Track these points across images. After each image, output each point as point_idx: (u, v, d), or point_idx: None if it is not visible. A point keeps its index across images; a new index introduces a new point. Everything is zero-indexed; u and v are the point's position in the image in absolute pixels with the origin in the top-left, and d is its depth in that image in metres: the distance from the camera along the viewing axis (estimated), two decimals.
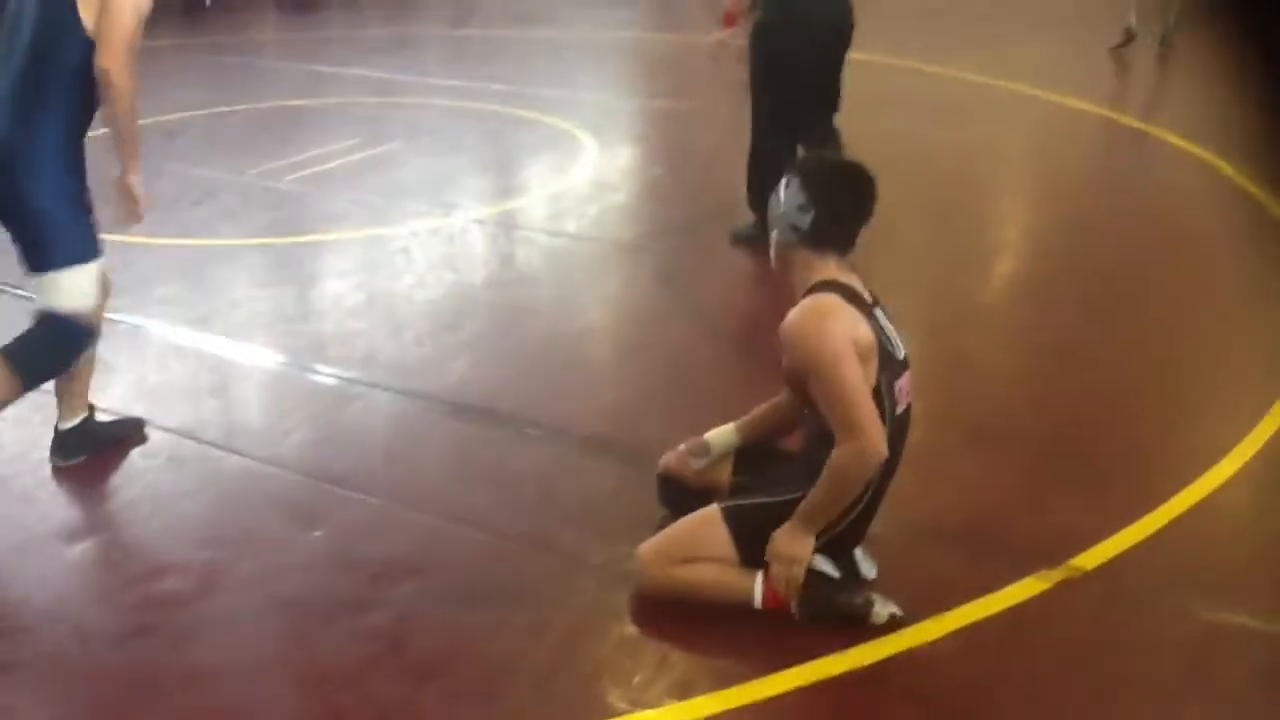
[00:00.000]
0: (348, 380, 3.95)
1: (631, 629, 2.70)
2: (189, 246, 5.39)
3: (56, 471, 3.38)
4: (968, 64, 9.23)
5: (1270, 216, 5.65)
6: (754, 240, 5.14)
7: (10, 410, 3.72)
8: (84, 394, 3.44)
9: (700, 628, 2.67)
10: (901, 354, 2.68)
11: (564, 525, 3.09)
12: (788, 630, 2.63)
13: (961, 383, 4.02)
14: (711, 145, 7.02)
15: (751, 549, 2.67)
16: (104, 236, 3.45)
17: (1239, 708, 2.47)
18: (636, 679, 2.53)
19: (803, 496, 2.61)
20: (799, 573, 2.63)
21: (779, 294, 4.81)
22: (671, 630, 2.68)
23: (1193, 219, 5.90)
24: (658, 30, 12.05)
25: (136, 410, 3.72)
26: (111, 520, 3.18)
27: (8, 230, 3.14)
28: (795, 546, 2.62)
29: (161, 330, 4.40)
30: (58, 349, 3.22)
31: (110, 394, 3.84)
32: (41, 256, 3.10)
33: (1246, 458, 3.40)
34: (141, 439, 3.55)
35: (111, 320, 4.38)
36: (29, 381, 3.21)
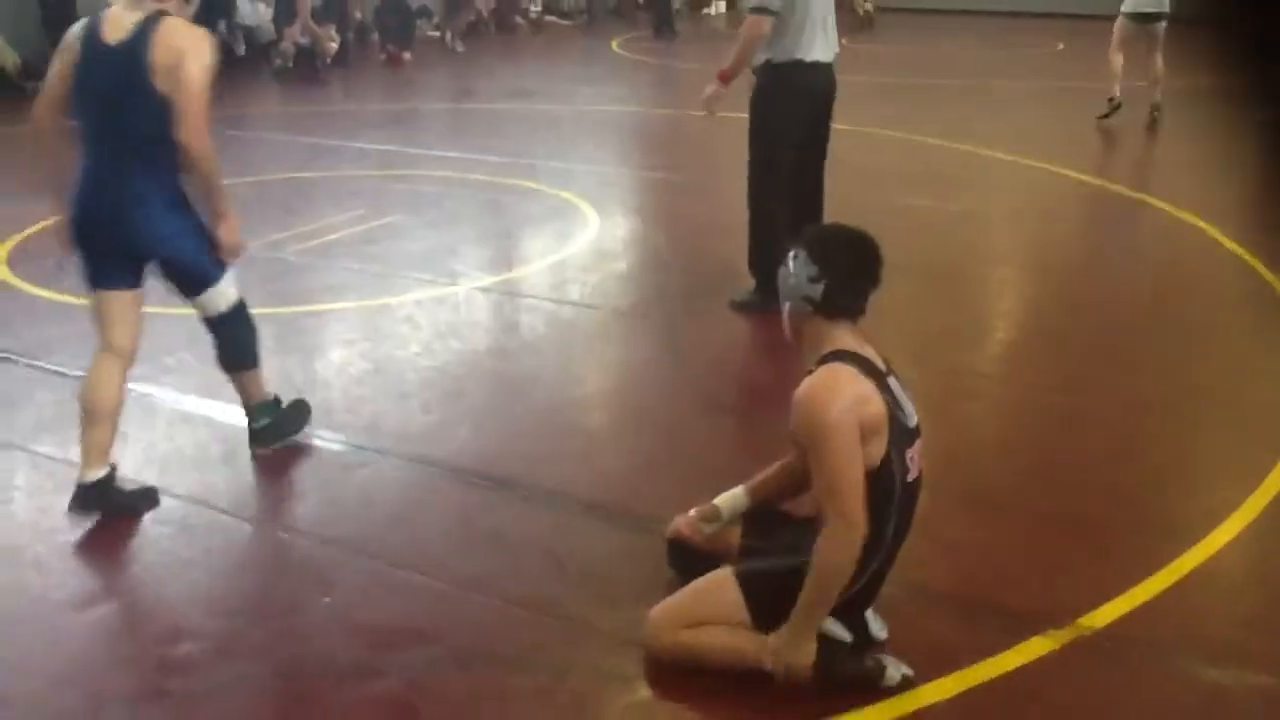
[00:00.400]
0: (354, 447, 4.00)
1: (642, 693, 2.72)
2: (193, 317, 5.44)
3: (70, 539, 3.41)
4: (954, 133, 9.42)
5: (1265, 282, 5.75)
6: (752, 306, 5.27)
7: (22, 479, 3.78)
8: (108, 446, 3.50)
9: (710, 692, 2.69)
10: (913, 422, 2.74)
11: (570, 590, 3.13)
12: (798, 693, 2.65)
13: (960, 448, 4.06)
14: (708, 215, 7.14)
15: (765, 613, 2.70)
16: None
17: None
18: None
19: (794, 568, 2.65)
20: (801, 674, 2.64)
21: (778, 362, 4.94)
22: (682, 695, 2.71)
23: (1188, 285, 6.00)
24: (653, 106, 12.26)
25: (148, 477, 3.76)
26: (125, 588, 3.20)
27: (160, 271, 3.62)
28: (797, 653, 2.64)
29: (171, 398, 4.44)
30: (246, 331, 3.84)
31: (122, 462, 3.87)
32: (191, 286, 3.68)
33: (1249, 519, 3.45)
34: (154, 506, 3.59)
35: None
36: (256, 364, 3.87)
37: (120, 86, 3.36)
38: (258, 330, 3.89)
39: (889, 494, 2.65)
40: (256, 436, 3.93)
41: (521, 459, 3.90)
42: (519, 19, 18.35)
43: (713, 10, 22.69)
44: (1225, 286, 5.92)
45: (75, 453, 3.89)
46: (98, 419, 3.49)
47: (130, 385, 4.18)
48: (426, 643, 2.89)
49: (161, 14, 3.40)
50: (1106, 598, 3.04)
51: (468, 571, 3.19)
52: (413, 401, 4.44)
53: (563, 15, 20.18)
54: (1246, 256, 6.16)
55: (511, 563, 3.26)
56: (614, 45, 16.89)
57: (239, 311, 3.79)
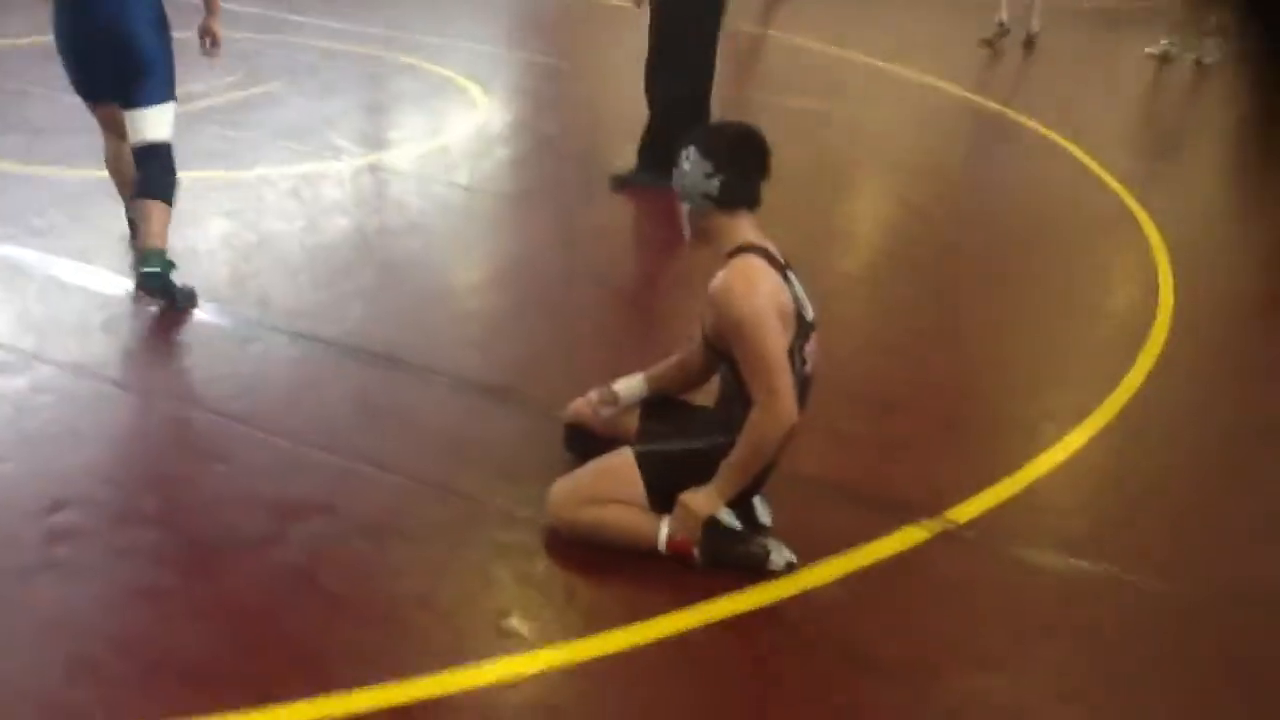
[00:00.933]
0: (245, 321, 3.93)
1: (538, 566, 2.82)
2: (63, 177, 5.21)
3: None
4: (841, 42, 9.52)
5: (1125, 203, 6.07)
6: (629, 182, 5.44)
7: None
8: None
9: (605, 566, 2.81)
10: (810, 316, 2.86)
11: (469, 469, 3.18)
12: (690, 573, 2.78)
13: (841, 349, 4.24)
14: (597, 102, 7.13)
15: (662, 493, 2.82)
16: None
17: (1097, 642, 2.73)
18: (545, 613, 2.65)
19: (718, 446, 2.77)
20: (693, 530, 2.78)
21: (668, 248, 5.02)
22: (576, 568, 2.81)
23: (1055, 202, 6.28)
24: None
25: (25, 344, 3.64)
26: (8, 455, 3.11)
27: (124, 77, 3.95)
28: (708, 505, 2.77)
29: (43, 262, 4.27)
30: (170, 166, 4.09)
31: None
32: (143, 97, 3.98)
33: (1104, 422, 3.71)
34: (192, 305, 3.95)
35: None
36: (171, 202, 4.06)
37: None
38: (176, 171, 4.10)
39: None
40: (144, 279, 3.91)
41: (416, 341, 3.90)
42: None
43: None
44: (1089, 205, 6.21)
45: None
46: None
47: None
48: (327, 515, 2.92)
49: None
50: (972, 492, 3.25)
51: (367, 448, 3.21)
52: (301, 277, 4.37)
53: None
54: (1108, 177, 6.47)
55: (411, 441, 3.29)
56: None
57: (169, 147, 4.06)
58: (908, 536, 3.03)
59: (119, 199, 4.39)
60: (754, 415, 2.70)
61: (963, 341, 4.42)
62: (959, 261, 5.25)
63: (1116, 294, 5.06)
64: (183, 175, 5.20)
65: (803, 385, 2.82)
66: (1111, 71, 9.77)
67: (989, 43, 10.02)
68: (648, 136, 5.50)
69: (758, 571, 2.82)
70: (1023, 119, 7.81)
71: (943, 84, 8.60)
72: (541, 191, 5.63)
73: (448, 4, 10.02)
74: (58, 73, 5.42)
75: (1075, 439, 3.60)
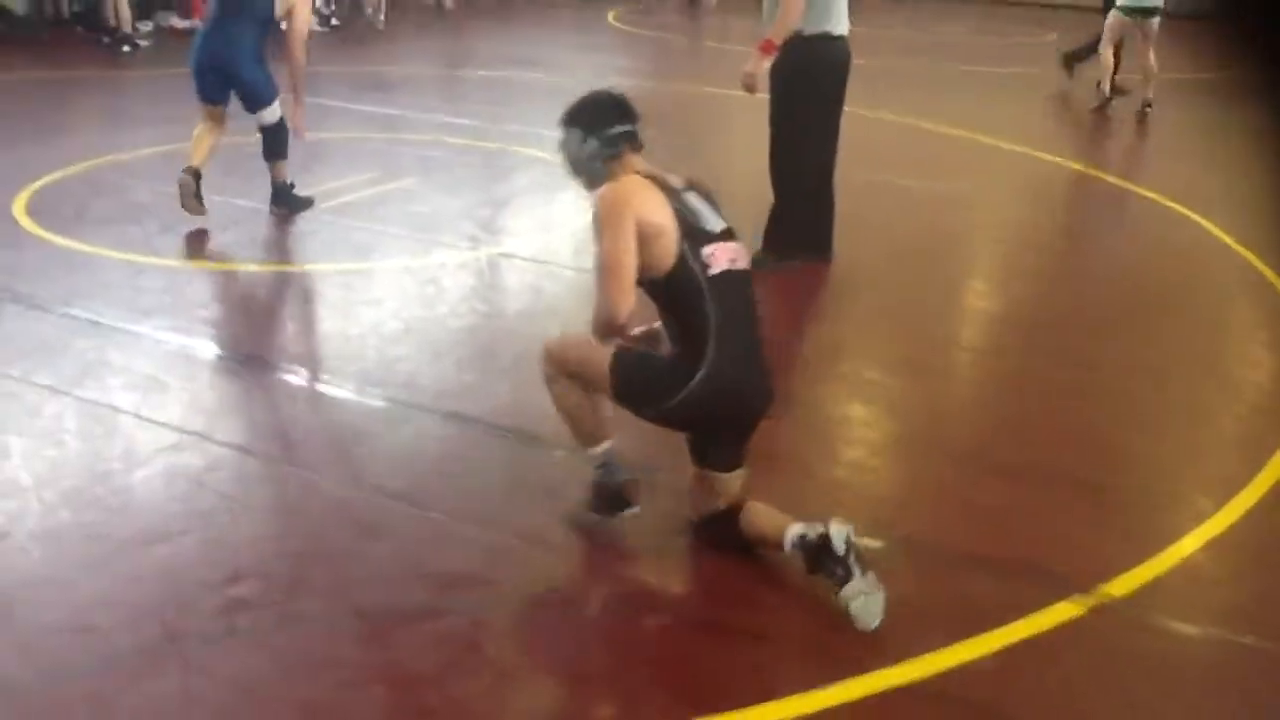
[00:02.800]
0: (396, 403, 4.11)
1: (683, 639, 2.86)
2: (224, 271, 5.53)
3: (126, 482, 3.52)
4: (942, 118, 9.58)
5: (1256, 270, 5.96)
6: (761, 266, 5.43)
7: (72, 423, 3.88)
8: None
9: (757, 641, 2.84)
10: (713, 226, 3.10)
11: (612, 542, 3.27)
12: (840, 649, 2.80)
13: (975, 421, 4.25)
14: (718, 186, 7.26)
15: (622, 389, 3.09)
16: (138, 258, 4.89)
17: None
18: (699, 685, 2.70)
19: (668, 356, 3.10)
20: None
21: (795, 327, 5.10)
22: (726, 642, 2.85)
23: (1183, 270, 6.20)
24: (653, 78, 12.33)
25: (194, 425, 3.86)
26: (185, 529, 3.29)
27: (236, 92, 5.96)
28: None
29: (208, 350, 4.53)
30: (283, 136, 6.11)
31: (167, 410, 3.98)
32: (255, 102, 5.98)
33: (1258, 496, 3.63)
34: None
35: (155, 339, 4.57)
36: (285, 156, 6.19)
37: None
38: (289, 135, 6.08)
39: (694, 289, 3.00)
40: (276, 201, 6.21)
41: (558, 419, 4.02)
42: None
43: None
44: (1218, 273, 6.12)
45: (120, 398, 4.03)
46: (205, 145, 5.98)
47: (166, 336, 4.37)
48: (486, 587, 3.03)
49: None
50: (1125, 565, 3.21)
51: (522, 524, 3.32)
52: (446, 360, 4.55)
53: None
54: (1234, 245, 6.37)
55: (559, 516, 3.38)
56: (610, 17, 16.91)
57: (281, 123, 6.06)
58: (1061, 611, 3.00)
59: (273, 292, 4.67)
60: (593, 309, 3.06)
61: (1098, 410, 4.38)
62: (1084, 329, 5.21)
63: (1257, 363, 4.96)
64: (329, 268, 5.52)
65: (714, 286, 3.02)
66: (1224, 141, 9.61)
67: (1099, 109, 9.99)
68: (773, 221, 5.62)
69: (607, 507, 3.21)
70: (1135, 187, 7.75)
71: (1045, 155, 8.58)
72: None
73: (571, 99, 10.36)
74: (211, 180, 5.83)
75: (1230, 512, 3.53)
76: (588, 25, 16.43)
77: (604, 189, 3.06)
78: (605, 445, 3.26)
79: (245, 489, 3.54)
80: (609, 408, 3.25)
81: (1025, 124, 9.78)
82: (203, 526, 3.32)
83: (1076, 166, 8.45)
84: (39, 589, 3.00)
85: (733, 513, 3.14)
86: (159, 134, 7.76)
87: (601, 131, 3.13)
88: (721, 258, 3.07)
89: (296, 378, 4.32)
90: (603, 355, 3.12)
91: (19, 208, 6.19)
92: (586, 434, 3.27)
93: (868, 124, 9.48)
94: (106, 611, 2.90)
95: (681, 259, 2.99)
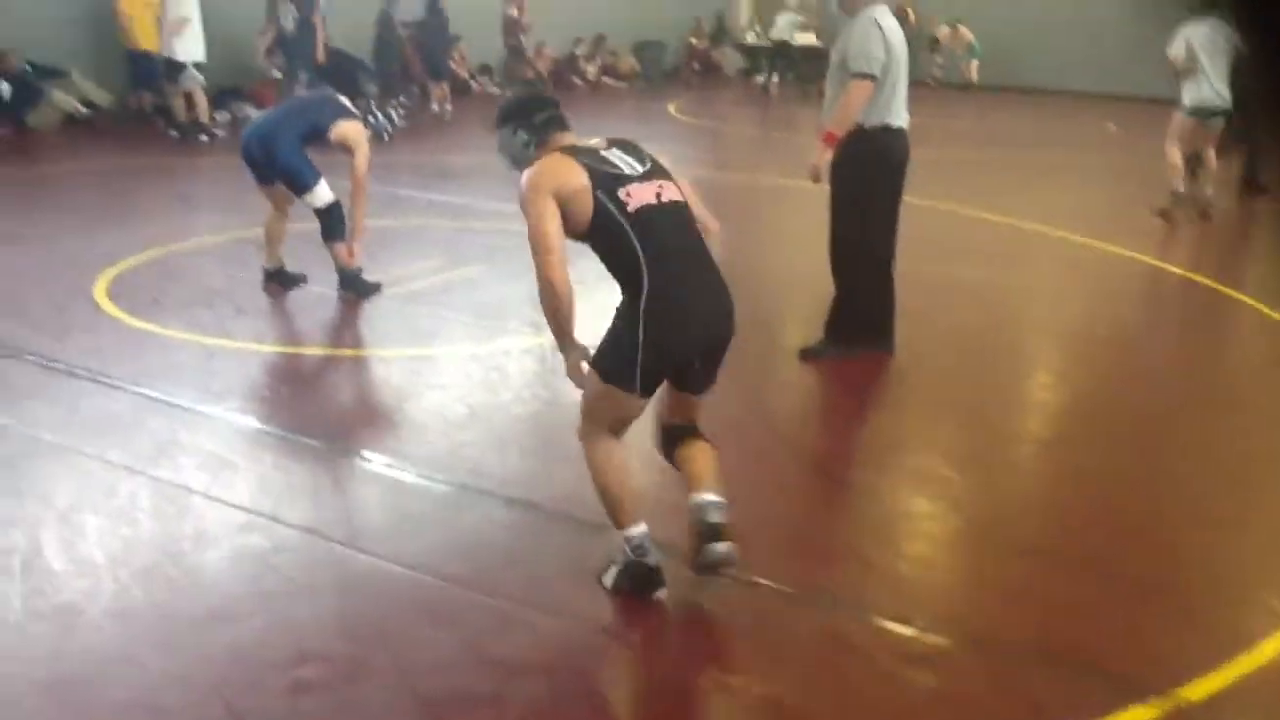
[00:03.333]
0: (461, 488, 4.15)
1: None
2: (294, 354, 5.66)
3: (197, 561, 3.57)
4: (1006, 209, 9.59)
5: None
6: (818, 354, 5.65)
7: (146, 502, 3.96)
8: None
9: None
10: (630, 170, 3.33)
11: (675, 631, 3.25)
12: None
13: (1035, 513, 4.20)
14: (782, 275, 7.32)
15: (601, 368, 3.39)
16: (210, 341, 5.15)
17: None
18: None
19: (612, 328, 3.37)
20: (575, 376, 3.46)
21: (865, 418, 5.09)
22: None
23: (1254, 368, 6.10)
24: (716, 169, 12.51)
25: (262, 506, 3.93)
26: (251, 610, 3.33)
27: (279, 179, 6.25)
28: (565, 361, 3.47)
29: (276, 432, 4.62)
30: (338, 219, 6.29)
31: (237, 491, 4.06)
32: (298, 188, 6.21)
33: None
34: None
35: (227, 420, 4.66)
36: (344, 238, 6.34)
37: (317, 109, 6.43)
38: (345, 218, 6.26)
39: (617, 229, 3.24)
40: (341, 283, 6.38)
41: None
42: (576, 79, 18.79)
43: (763, 79, 23.09)
44: None
45: (192, 478, 4.11)
46: (276, 241, 6.46)
47: (233, 417, 4.47)
48: (548, 675, 3.02)
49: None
50: (1201, 669, 3.13)
51: (586, 611, 3.32)
52: (511, 446, 4.60)
53: (619, 77, 20.62)
54: None
55: (623, 603, 3.38)
56: (671, 108, 17.24)
57: (334, 206, 6.24)
58: (1136, 716, 2.93)
59: (341, 375, 4.76)
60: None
61: (1165, 506, 4.30)
62: (1151, 423, 5.14)
63: None
64: (396, 353, 5.62)
65: (636, 220, 3.25)
66: None
67: (1165, 213, 9.92)
68: (834, 311, 5.64)
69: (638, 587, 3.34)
70: (1201, 279, 7.67)
71: (1110, 247, 8.54)
72: (733, 364, 5.77)
73: None
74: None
75: None
76: (650, 116, 16.74)
77: (530, 170, 3.32)
78: (641, 529, 3.39)
79: (311, 571, 3.58)
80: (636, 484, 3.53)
81: (1089, 216, 9.75)
82: (269, 608, 3.36)
83: (1141, 258, 8.40)
84: (111, 666, 3.05)
85: (685, 430, 3.58)
86: (233, 220, 8.02)
87: (527, 121, 3.48)
88: (640, 195, 3.30)
89: (363, 461, 4.38)
90: (588, 379, 3.43)
91: (100, 291, 6.40)
92: (624, 513, 3.40)
93: (931, 215, 9.52)
94: (175, 691, 2.94)
95: (598, 206, 3.24)
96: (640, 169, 3.36)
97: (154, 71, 12.25)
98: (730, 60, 23.34)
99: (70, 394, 4.95)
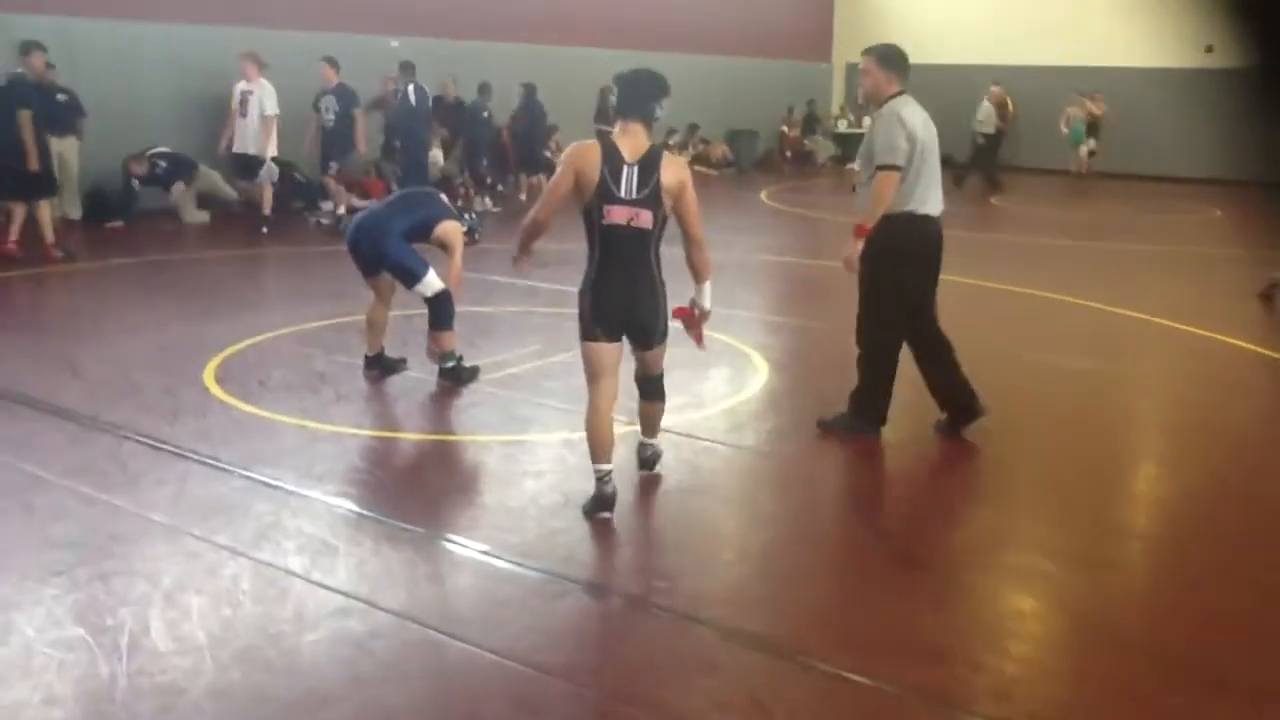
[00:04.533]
0: (555, 576, 4.15)
1: None
2: (393, 439, 5.76)
3: (295, 643, 3.62)
4: (1104, 295, 9.40)
5: None
6: (836, 428, 5.76)
7: (248, 584, 4.03)
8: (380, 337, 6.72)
9: None
10: (625, 194, 4.48)
11: None
12: None
13: (1145, 614, 4.04)
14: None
15: (579, 321, 4.79)
16: (313, 425, 5.27)
17: None
18: None
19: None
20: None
21: (949, 510, 4.99)
22: None
23: None
24: (808, 255, 12.56)
25: (360, 590, 3.97)
26: (347, 695, 3.35)
27: (388, 271, 6.54)
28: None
29: (374, 516, 4.69)
30: (447, 307, 6.51)
31: (335, 575, 4.11)
32: (408, 279, 6.47)
33: None
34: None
35: (327, 504, 4.75)
36: (450, 327, 6.56)
37: (424, 206, 6.73)
38: (454, 308, 6.50)
39: (592, 229, 4.58)
40: (442, 373, 6.53)
41: (714, 596, 4.01)
42: (707, 170, 19.09)
43: (856, 166, 23.17)
44: None
45: (293, 561, 4.19)
46: (378, 329, 6.67)
47: (335, 501, 4.59)
48: None
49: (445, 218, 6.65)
50: None
51: (679, 706, 3.27)
52: (605, 535, 4.60)
53: (711, 165, 20.90)
54: None
55: (717, 699, 3.33)
56: (763, 196, 17.39)
57: (443, 294, 6.46)
58: None
59: (439, 460, 4.82)
60: None
61: None
62: (1269, 523, 4.93)
63: None
64: (493, 438, 5.69)
65: (604, 234, 4.56)
66: None
67: (1266, 296, 9.64)
68: (861, 389, 5.76)
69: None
70: None
71: (1212, 333, 8.30)
72: (824, 451, 5.75)
73: (726, 277, 10.58)
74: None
75: None
76: (741, 203, 16.90)
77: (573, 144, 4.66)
78: (605, 466, 4.69)
79: (404, 657, 3.60)
80: None
81: (1193, 303, 9.52)
82: (362, 693, 3.38)
83: (1245, 345, 8.15)
84: None
85: (653, 387, 5.03)
86: (338, 307, 8.26)
87: (617, 99, 4.68)
88: (616, 215, 4.51)
89: (458, 547, 4.41)
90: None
91: (209, 375, 6.61)
92: (595, 453, 4.69)
93: (1028, 301, 9.39)
94: None
95: (589, 207, 4.53)
96: (634, 195, 4.49)
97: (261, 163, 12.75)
98: (823, 148, 23.53)
99: (179, 475, 5.09)
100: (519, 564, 4.23)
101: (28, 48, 10.66)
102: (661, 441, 5.19)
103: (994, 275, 10.10)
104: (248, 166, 12.36)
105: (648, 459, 5.16)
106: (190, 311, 8.93)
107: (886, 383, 5.69)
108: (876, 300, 5.58)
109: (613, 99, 4.65)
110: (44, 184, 10.53)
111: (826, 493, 5.36)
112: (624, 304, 4.63)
